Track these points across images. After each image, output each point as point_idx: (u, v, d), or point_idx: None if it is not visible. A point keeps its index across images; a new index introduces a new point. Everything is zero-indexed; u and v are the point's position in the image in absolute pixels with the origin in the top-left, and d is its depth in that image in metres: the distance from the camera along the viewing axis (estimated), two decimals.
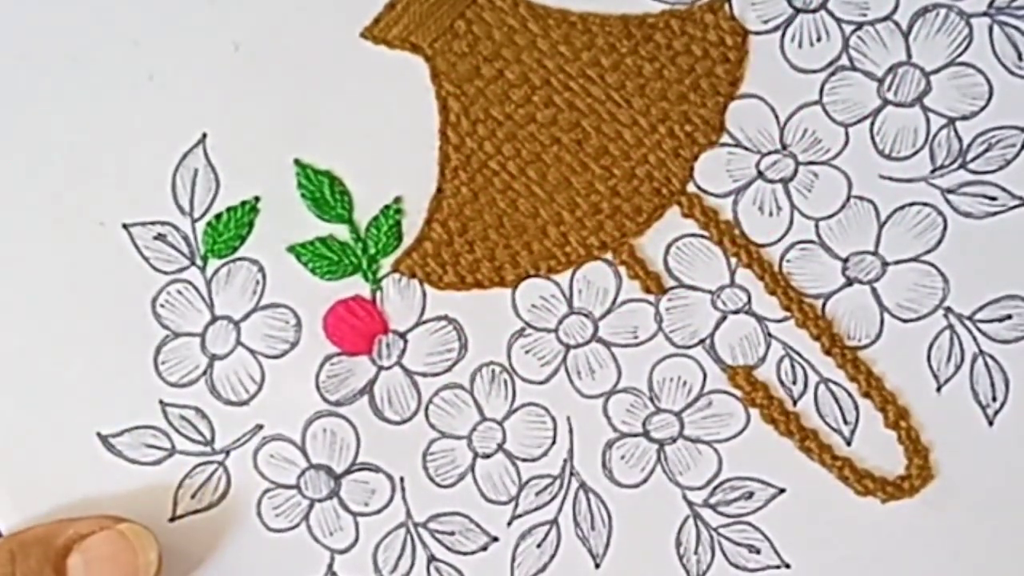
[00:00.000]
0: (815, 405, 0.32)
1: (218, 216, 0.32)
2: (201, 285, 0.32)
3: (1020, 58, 0.31)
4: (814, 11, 0.31)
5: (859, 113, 0.31)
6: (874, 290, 0.32)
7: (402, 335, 0.32)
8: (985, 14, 0.31)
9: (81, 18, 0.32)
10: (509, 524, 0.32)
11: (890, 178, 0.31)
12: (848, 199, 0.31)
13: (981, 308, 0.31)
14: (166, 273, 0.32)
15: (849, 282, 0.32)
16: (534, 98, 0.31)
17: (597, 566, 0.32)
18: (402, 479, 0.32)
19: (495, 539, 0.32)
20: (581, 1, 0.31)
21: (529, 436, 0.32)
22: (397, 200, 0.32)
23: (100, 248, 0.32)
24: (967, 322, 0.31)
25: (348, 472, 0.32)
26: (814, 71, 0.31)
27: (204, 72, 0.31)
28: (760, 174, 0.32)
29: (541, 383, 0.32)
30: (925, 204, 0.31)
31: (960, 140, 0.31)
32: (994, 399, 0.31)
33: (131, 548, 0.30)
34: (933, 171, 0.31)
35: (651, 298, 0.32)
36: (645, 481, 0.32)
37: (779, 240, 0.32)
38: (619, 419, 0.32)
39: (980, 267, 0.31)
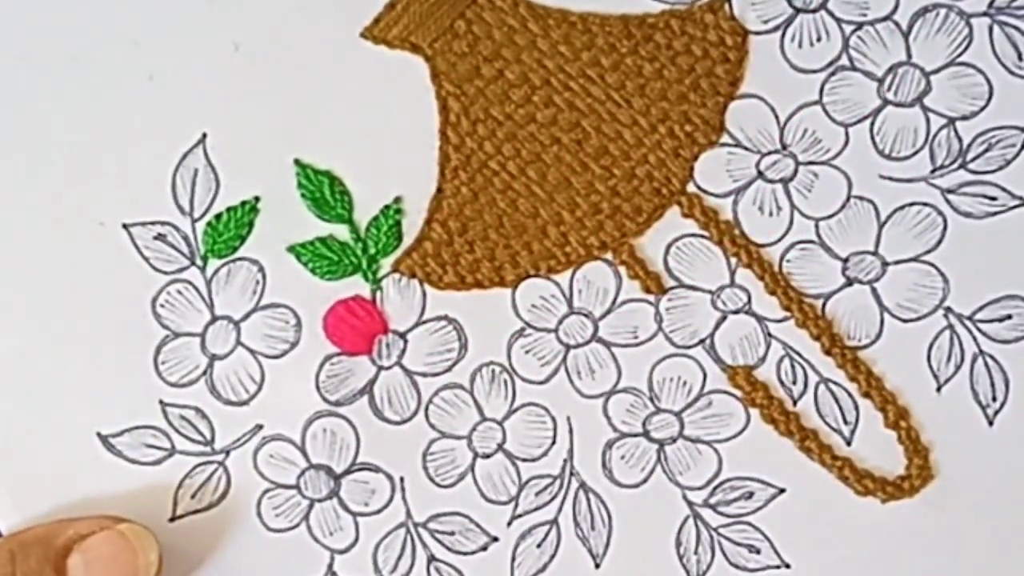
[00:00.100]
0: (815, 405, 0.32)
1: (218, 216, 0.32)
2: (201, 285, 0.32)
3: (1020, 58, 0.31)
4: (814, 11, 0.31)
5: (859, 113, 0.31)
6: (874, 290, 0.32)
7: (402, 335, 0.32)
8: (985, 14, 0.31)
9: (81, 18, 0.32)
10: (509, 524, 0.32)
11: (890, 178, 0.31)
12: (848, 199, 0.31)
13: (981, 308, 0.31)
14: (166, 273, 0.32)
15: (849, 282, 0.32)
16: (534, 98, 0.31)
17: (597, 566, 0.32)
18: (402, 479, 0.32)
19: (495, 539, 0.32)
20: (581, 1, 0.31)
21: (529, 436, 0.32)
22: (397, 200, 0.32)
23: (100, 248, 0.32)
24: (967, 322, 0.31)
25: (348, 472, 0.32)
26: (814, 71, 0.31)
27: (204, 72, 0.31)
28: (760, 174, 0.31)
29: (541, 383, 0.32)
30: (925, 204, 0.31)
31: (960, 140, 0.31)
32: (994, 399, 0.31)
33: (131, 548, 0.30)
34: (933, 171, 0.31)
35: (651, 298, 0.32)
36: (645, 481, 0.32)
37: (779, 240, 0.32)
38: (619, 419, 0.32)
39: (980, 267, 0.31)
